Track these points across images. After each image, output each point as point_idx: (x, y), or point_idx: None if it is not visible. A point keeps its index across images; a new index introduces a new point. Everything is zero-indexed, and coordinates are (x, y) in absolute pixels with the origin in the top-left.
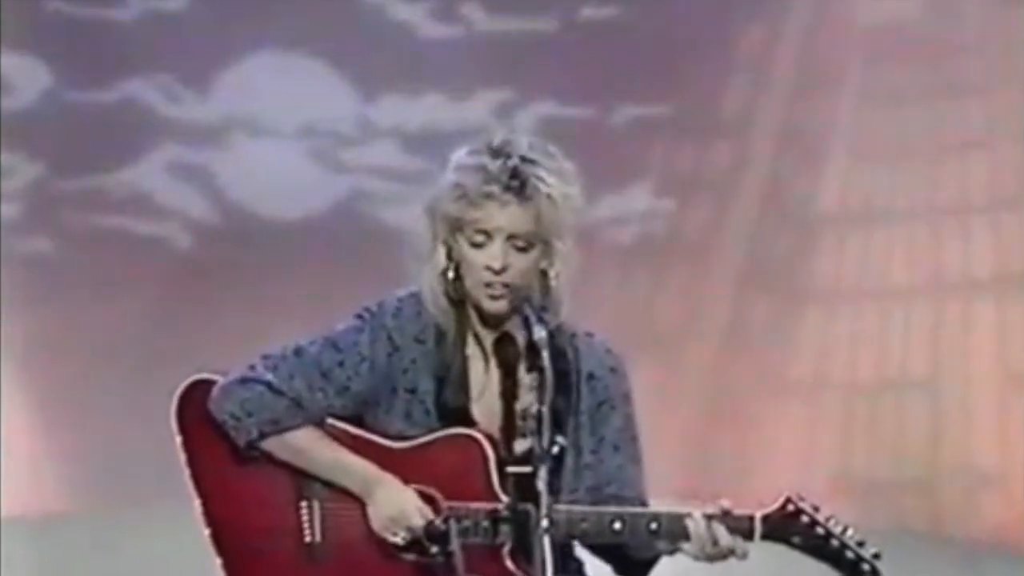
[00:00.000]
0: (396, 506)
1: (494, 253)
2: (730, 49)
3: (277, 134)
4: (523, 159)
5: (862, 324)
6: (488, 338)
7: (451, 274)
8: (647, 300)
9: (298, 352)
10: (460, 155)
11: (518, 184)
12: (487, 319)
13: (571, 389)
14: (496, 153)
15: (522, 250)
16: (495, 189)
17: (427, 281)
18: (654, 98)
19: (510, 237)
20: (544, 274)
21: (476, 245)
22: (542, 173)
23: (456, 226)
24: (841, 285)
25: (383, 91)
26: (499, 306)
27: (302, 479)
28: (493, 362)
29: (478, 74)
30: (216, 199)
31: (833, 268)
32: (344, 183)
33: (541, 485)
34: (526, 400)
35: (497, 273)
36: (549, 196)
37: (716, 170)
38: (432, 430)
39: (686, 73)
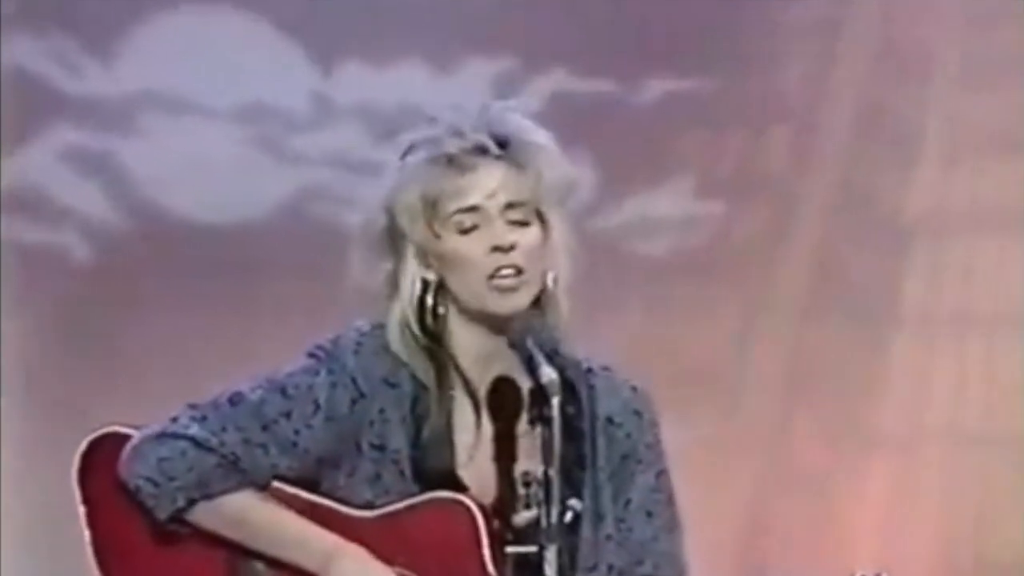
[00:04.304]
0: None
1: (495, 230)
2: (793, 10)
3: (206, 114)
4: (500, 111)
5: (966, 359)
6: (481, 379)
7: (430, 299)
8: (687, 330)
9: (234, 399)
10: (416, 135)
11: (504, 140)
12: (480, 352)
13: (584, 438)
14: (463, 112)
15: (522, 224)
16: (485, 142)
17: (394, 317)
18: (695, 70)
19: (507, 207)
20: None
21: (466, 231)
22: (529, 125)
23: (433, 213)
24: (938, 311)
25: (345, 60)
26: (514, 303)
27: (239, 560)
28: (486, 413)
29: (469, 38)
30: (126, 197)
31: (928, 289)
32: (294, 177)
33: (550, 572)
34: (527, 462)
35: (506, 252)
36: (545, 152)
37: (775, 164)
38: (409, 497)
39: (736, 38)
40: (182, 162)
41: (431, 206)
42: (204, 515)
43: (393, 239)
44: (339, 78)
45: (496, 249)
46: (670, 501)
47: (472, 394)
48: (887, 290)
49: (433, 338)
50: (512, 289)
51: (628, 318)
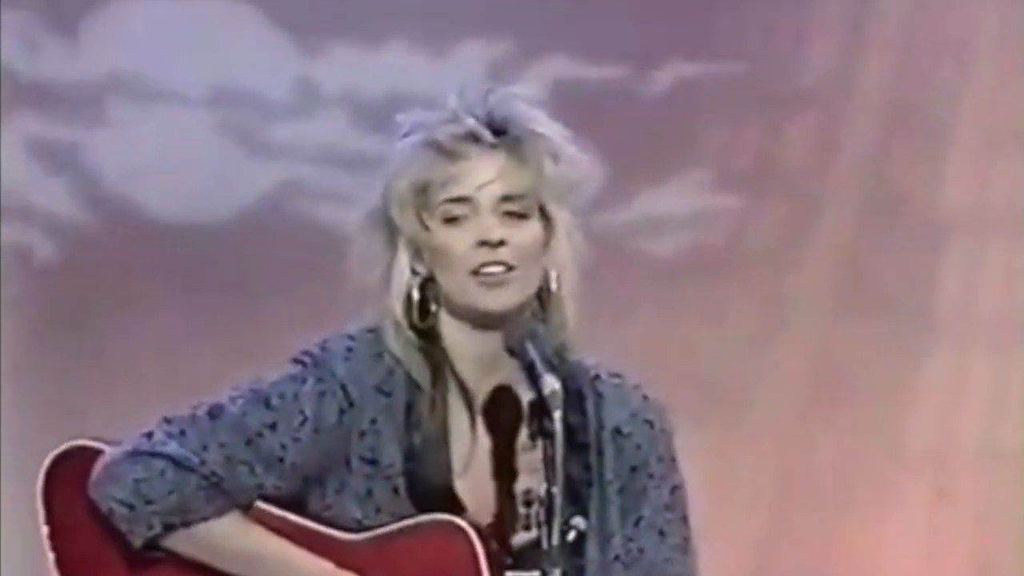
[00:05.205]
0: None
1: (484, 223)
2: None
3: (179, 101)
4: (504, 97)
5: (1008, 373)
6: (478, 386)
7: (416, 293)
8: (700, 336)
9: (214, 412)
10: (414, 117)
11: (505, 127)
12: (476, 355)
13: (590, 450)
14: (465, 97)
15: (520, 218)
16: (477, 129)
17: (387, 312)
18: (711, 55)
19: (503, 200)
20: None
21: (454, 220)
22: (535, 114)
23: (423, 202)
24: (976, 318)
25: (330, 43)
26: (501, 300)
27: None
28: (481, 422)
29: (463, 20)
30: (92, 192)
31: (964, 295)
32: (275, 170)
33: None
34: (528, 479)
35: (494, 247)
36: (550, 144)
37: (796, 157)
38: (402, 517)
39: (757, 22)
40: (153, 154)
41: (420, 195)
42: (182, 541)
43: (389, 231)
44: (324, 63)
45: (483, 243)
46: (684, 519)
47: (468, 399)
48: (918, 293)
49: (427, 337)
50: (499, 284)
51: (635, 322)
